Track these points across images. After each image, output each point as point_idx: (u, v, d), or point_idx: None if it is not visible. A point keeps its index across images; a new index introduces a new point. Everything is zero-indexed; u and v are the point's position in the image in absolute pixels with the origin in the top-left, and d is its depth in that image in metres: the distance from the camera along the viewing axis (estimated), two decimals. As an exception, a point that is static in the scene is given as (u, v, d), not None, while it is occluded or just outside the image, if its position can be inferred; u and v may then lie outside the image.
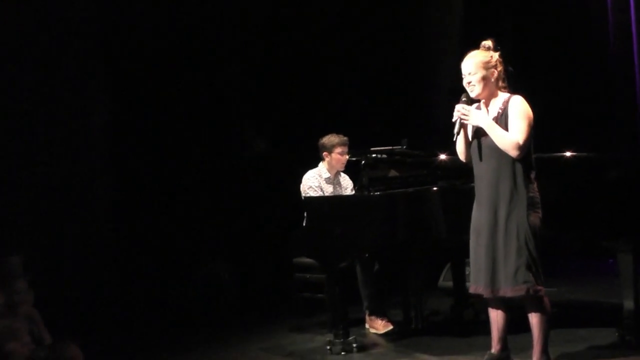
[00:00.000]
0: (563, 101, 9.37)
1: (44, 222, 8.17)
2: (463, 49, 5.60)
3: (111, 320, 8.08)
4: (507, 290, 5.25)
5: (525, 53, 9.56)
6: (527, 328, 5.39)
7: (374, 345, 6.80)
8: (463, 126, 5.39)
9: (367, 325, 7.22)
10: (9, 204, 8.06)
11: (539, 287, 5.23)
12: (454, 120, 5.37)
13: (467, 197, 5.65)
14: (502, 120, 5.29)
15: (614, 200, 6.16)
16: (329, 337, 6.66)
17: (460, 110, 5.33)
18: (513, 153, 5.20)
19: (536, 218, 5.25)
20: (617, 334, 6.18)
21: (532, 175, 5.29)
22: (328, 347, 6.59)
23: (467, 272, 7.30)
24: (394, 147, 7.08)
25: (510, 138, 5.20)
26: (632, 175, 6.35)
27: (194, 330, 7.93)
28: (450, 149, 6.40)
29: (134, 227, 9.02)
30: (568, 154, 6.47)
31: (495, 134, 5.23)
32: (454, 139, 5.44)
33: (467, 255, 7.06)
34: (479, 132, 5.35)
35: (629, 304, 6.10)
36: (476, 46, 5.46)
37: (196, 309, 8.67)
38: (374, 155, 6.92)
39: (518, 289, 5.20)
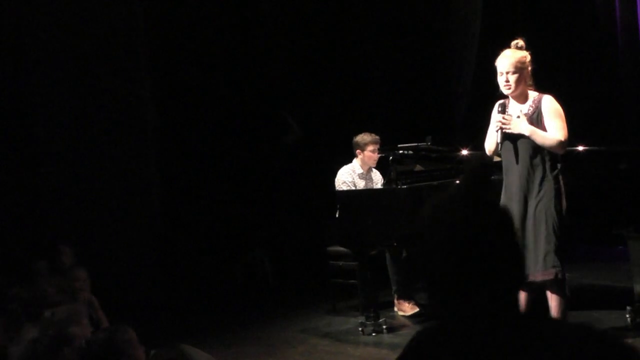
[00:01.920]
0: (574, 98, 9.31)
1: (101, 215, 8.27)
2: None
3: (162, 303, 8.14)
4: (537, 275, 5.20)
5: (538, 53, 9.51)
6: (545, 310, 5.33)
7: (402, 326, 6.82)
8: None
9: (395, 309, 7.23)
10: (67, 199, 8.16)
11: (563, 271, 5.21)
12: (496, 130, 5.30)
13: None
14: (534, 117, 5.25)
15: (623, 190, 6.14)
16: (361, 319, 6.70)
17: (501, 121, 5.28)
18: (559, 150, 5.21)
19: (561, 208, 5.22)
20: (628, 316, 6.12)
21: (559, 167, 5.26)
22: (360, 329, 6.63)
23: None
24: (419, 144, 7.07)
25: (554, 138, 5.17)
26: (640, 167, 6.33)
27: (236, 313, 7.96)
28: (471, 144, 6.41)
29: (183, 220, 9.10)
30: (580, 148, 6.44)
31: (539, 137, 5.18)
32: (499, 149, 5.36)
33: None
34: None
35: (638, 287, 6.07)
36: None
37: (239, 294, 8.73)
38: (401, 151, 6.90)
39: (548, 273, 5.17)
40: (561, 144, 5.18)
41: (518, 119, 5.26)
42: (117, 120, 8.55)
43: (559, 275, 5.18)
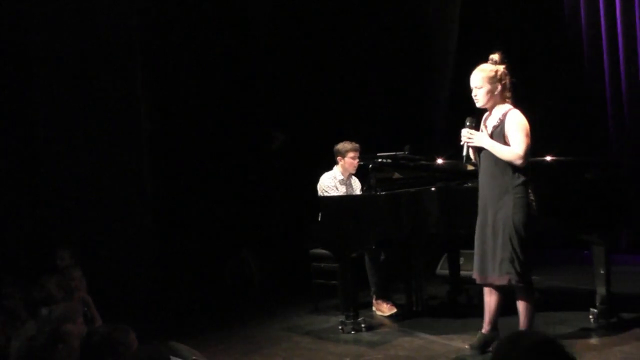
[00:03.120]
0: (543, 111, 9.39)
1: (96, 216, 8.26)
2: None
3: (155, 302, 8.14)
4: (494, 279, 5.31)
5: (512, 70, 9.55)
6: (515, 312, 5.42)
7: (381, 325, 6.86)
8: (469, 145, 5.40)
9: (374, 308, 7.27)
10: (64, 202, 8.16)
11: (522, 279, 5.24)
12: (462, 144, 5.38)
13: (462, 196, 5.71)
14: (497, 130, 5.28)
15: (588, 199, 6.21)
16: (341, 318, 6.73)
17: (465, 135, 5.35)
18: (517, 163, 5.19)
19: (522, 218, 5.20)
20: (591, 316, 6.22)
21: (522, 180, 5.24)
22: (340, 327, 6.66)
23: (461, 262, 7.37)
24: (397, 153, 7.12)
25: (512, 151, 5.19)
26: (604, 177, 6.40)
27: (225, 312, 7.98)
28: (447, 153, 6.46)
29: (174, 222, 9.10)
30: (549, 158, 6.51)
31: (497, 151, 5.23)
32: (464, 161, 5.47)
33: (462, 247, 7.12)
34: None
35: (601, 290, 6.17)
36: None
37: (227, 293, 8.75)
38: (380, 159, 6.97)
39: (502, 278, 5.26)
40: (518, 156, 5.17)
41: (481, 132, 5.32)
42: (112, 123, 8.53)
43: (513, 282, 5.23)
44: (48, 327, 4.16)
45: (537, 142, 6.00)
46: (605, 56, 9.36)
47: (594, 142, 9.42)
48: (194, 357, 4.18)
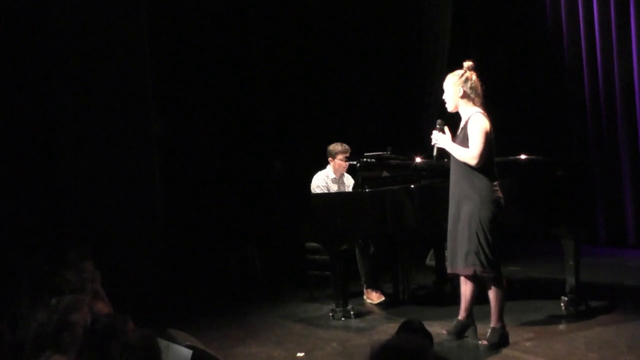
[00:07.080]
0: (522, 113, 9.50)
1: (108, 215, 8.33)
2: (450, 70, 5.72)
3: (161, 292, 8.24)
4: (460, 270, 5.46)
5: (494, 76, 9.62)
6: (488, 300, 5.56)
7: (369, 312, 6.97)
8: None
9: (364, 297, 7.37)
10: (77, 201, 8.27)
11: (487, 270, 5.36)
12: (432, 144, 5.55)
13: (443, 193, 5.79)
14: (462, 133, 5.44)
15: (558, 196, 6.33)
16: (332, 306, 6.85)
17: (434, 136, 5.52)
18: (472, 163, 5.33)
19: (488, 213, 5.33)
20: (562, 304, 6.35)
21: (487, 178, 5.37)
22: (331, 314, 6.78)
23: (446, 254, 7.50)
24: (381, 153, 7.19)
25: (467, 152, 5.34)
26: (572, 176, 6.53)
27: (228, 301, 8.07)
28: (425, 153, 6.58)
29: (184, 222, 9.19)
30: (523, 157, 6.63)
31: (453, 151, 5.40)
32: (434, 160, 5.64)
33: (446, 240, 7.26)
34: None
35: (570, 280, 6.30)
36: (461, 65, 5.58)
37: (231, 283, 8.89)
38: (365, 159, 7.09)
39: (467, 269, 5.40)
40: (471, 157, 5.32)
41: (443, 134, 5.48)
42: (123, 125, 8.53)
43: (478, 273, 5.37)
44: (56, 316, 4.35)
45: (515, 142, 6.18)
46: (584, 63, 9.43)
47: (572, 142, 9.51)
48: (187, 343, 4.37)
